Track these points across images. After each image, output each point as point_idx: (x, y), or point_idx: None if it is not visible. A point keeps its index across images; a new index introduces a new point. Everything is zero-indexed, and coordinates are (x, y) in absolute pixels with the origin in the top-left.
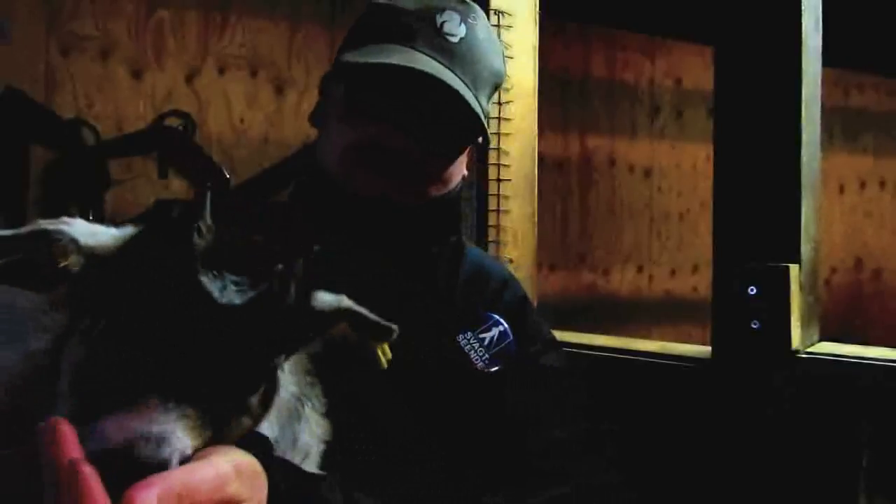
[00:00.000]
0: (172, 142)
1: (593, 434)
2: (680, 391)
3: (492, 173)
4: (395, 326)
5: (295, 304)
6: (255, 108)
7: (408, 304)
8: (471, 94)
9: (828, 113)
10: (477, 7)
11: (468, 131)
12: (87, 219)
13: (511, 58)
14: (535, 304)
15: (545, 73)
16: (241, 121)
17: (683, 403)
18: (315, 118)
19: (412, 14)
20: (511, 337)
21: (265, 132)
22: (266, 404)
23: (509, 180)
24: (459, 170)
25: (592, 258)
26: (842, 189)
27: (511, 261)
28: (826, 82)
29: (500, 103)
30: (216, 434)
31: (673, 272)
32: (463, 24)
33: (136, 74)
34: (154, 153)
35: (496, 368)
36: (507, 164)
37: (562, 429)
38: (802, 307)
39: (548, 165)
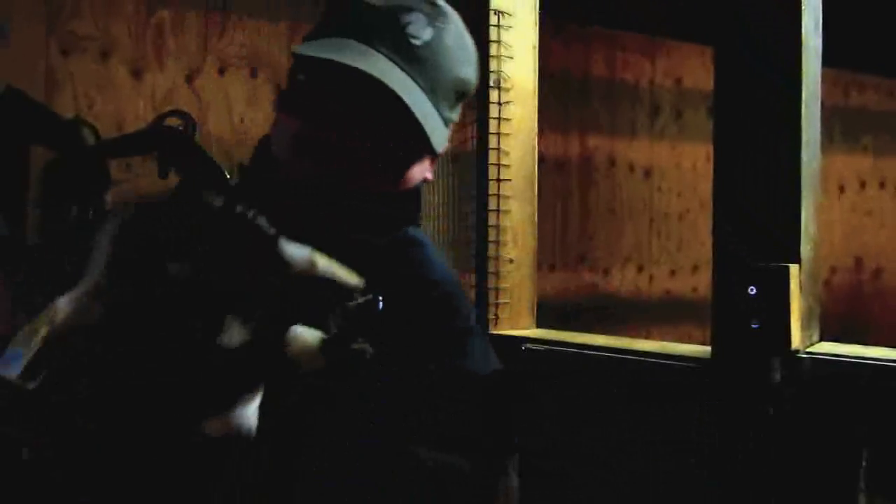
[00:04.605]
0: (172, 142)
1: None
2: (680, 391)
3: (492, 173)
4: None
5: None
6: (256, 108)
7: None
8: (425, 102)
9: (828, 113)
10: (451, 12)
11: (413, 140)
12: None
13: (511, 58)
14: (535, 304)
15: (545, 73)
16: (242, 121)
17: (683, 403)
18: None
19: (377, 11)
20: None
21: (265, 132)
22: None
23: (509, 180)
24: (416, 172)
25: (592, 258)
26: (842, 189)
27: (511, 261)
28: (826, 82)
29: (500, 103)
30: None
31: (673, 272)
32: (430, 28)
33: (136, 74)
34: (154, 153)
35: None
36: (507, 164)
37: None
38: (802, 307)
39: (548, 165)
